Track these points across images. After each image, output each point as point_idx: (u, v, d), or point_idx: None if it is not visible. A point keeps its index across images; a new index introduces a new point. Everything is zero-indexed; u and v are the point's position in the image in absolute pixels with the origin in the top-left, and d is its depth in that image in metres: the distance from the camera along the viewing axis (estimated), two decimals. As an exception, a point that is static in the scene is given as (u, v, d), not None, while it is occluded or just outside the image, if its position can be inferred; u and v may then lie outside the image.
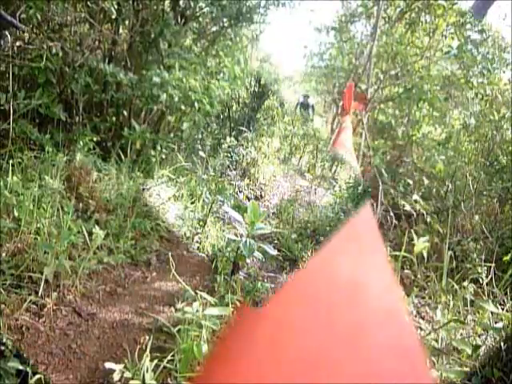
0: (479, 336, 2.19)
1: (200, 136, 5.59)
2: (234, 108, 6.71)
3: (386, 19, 5.30)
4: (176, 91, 4.07)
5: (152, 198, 3.75)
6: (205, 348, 1.80)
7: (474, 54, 4.92)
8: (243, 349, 0.19)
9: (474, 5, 5.87)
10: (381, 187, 3.78)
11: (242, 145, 5.91)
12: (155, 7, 4.61)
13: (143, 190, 3.68)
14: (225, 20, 5.19)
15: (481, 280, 2.76)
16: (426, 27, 5.29)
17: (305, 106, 8.29)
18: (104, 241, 2.83)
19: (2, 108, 3.49)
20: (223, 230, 3.96)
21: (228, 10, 4.92)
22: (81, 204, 3.33)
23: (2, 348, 1.76)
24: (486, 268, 2.83)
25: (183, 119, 4.47)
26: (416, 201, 3.91)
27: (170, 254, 2.86)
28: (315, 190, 6.33)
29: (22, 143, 3.71)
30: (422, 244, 2.42)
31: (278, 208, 5.33)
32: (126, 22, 4.64)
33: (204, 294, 2.14)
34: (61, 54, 3.78)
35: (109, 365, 1.86)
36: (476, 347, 1.85)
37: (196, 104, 4.29)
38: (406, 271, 2.98)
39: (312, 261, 0.29)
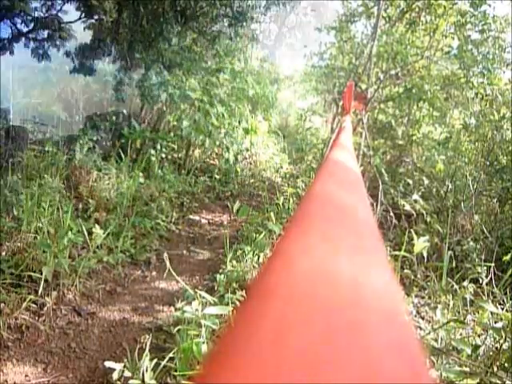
0: (479, 336, 2.19)
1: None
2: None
3: (386, 19, 5.30)
4: (176, 90, 4.07)
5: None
6: (204, 347, 1.80)
7: (474, 54, 4.91)
8: (243, 348, 0.19)
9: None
10: (381, 187, 3.78)
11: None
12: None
13: None
14: (225, 20, 5.19)
15: (480, 280, 2.76)
16: (426, 27, 5.28)
17: None
18: (104, 240, 2.83)
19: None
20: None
21: (228, 9, 4.91)
22: (80, 203, 3.33)
23: None
24: (485, 268, 2.83)
25: (183, 118, 4.47)
26: (416, 201, 3.91)
27: (166, 252, 2.85)
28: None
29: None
30: (421, 244, 2.42)
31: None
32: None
33: (203, 294, 2.13)
34: (61, 53, 3.78)
35: (108, 364, 1.86)
36: (476, 347, 1.85)
37: (196, 103, 4.29)
38: (405, 271, 2.97)
39: (311, 258, 0.28)
